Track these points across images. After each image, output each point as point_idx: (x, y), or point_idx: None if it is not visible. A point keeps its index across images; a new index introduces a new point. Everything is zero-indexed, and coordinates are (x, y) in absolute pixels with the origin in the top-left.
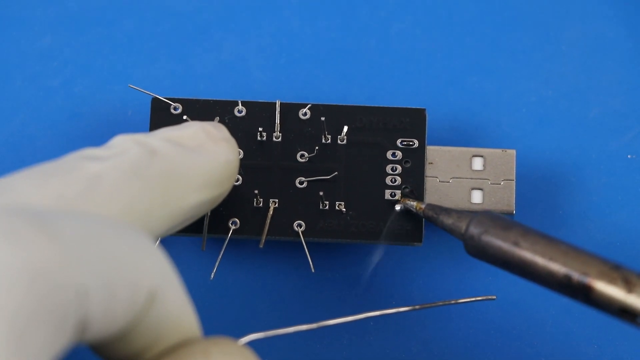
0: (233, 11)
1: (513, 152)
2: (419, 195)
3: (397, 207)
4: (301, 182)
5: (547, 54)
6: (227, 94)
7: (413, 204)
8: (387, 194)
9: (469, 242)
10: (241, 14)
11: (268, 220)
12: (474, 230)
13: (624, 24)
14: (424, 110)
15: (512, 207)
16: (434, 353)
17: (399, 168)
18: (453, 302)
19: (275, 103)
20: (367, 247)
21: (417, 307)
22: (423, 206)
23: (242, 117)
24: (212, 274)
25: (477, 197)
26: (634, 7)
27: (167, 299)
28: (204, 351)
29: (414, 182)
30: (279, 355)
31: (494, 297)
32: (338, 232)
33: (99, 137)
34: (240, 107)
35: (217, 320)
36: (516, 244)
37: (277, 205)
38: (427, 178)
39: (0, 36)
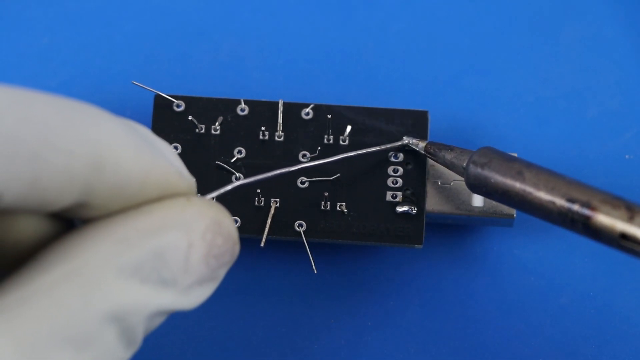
0: (232, 12)
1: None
2: (419, 197)
3: (399, 209)
4: (303, 182)
5: (545, 54)
6: (226, 95)
7: (415, 141)
8: (389, 195)
9: (471, 173)
10: (240, 14)
11: (269, 220)
12: (477, 161)
13: (622, 24)
14: (427, 112)
15: (513, 211)
16: (431, 353)
17: (401, 170)
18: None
19: (278, 102)
20: (368, 248)
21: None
22: (425, 143)
23: (245, 115)
24: None
25: (478, 200)
26: (632, 7)
27: (121, 165)
28: (186, 198)
29: (415, 185)
30: (277, 355)
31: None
32: (339, 233)
33: None
34: (242, 105)
35: (216, 319)
36: (520, 173)
37: (278, 204)
38: (428, 181)
39: None
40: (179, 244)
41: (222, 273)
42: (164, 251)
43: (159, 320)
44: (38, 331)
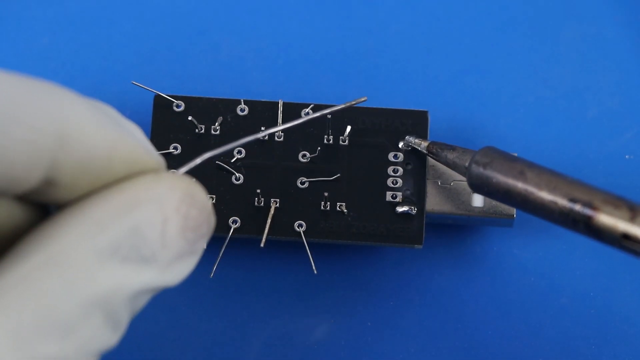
0: (231, 12)
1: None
2: (419, 198)
3: (399, 210)
4: (303, 183)
5: (545, 54)
6: (226, 95)
7: (417, 141)
8: (388, 195)
9: (473, 173)
10: (240, 14)
11: (269, 220)
12: (479, 160)
13: (622, 24)
14: (427, 112)
15: (513, 211)
16: (431, 353)
17: (401, 170)
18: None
19: (278, 102)
20: (368, 248)
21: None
22: (427, 143)
23: (244, 115)
24: (212, 272)
25: (478, 200)
26: (632, 7)
27: (85, 139)
28: (155, 174)
29: (415, 185)
30: (277, 355)
31: (365, 98)
32: (339, 233)
33: None
34: (242, 105)
35: (216, 319)
36: (522, 173)
37: (278, 205)
38: (429, 181)
39: None
40: (153, 219)
41: (201, 246)
42: (140, 228)
43: (144, 301)
44: (21, 320)
